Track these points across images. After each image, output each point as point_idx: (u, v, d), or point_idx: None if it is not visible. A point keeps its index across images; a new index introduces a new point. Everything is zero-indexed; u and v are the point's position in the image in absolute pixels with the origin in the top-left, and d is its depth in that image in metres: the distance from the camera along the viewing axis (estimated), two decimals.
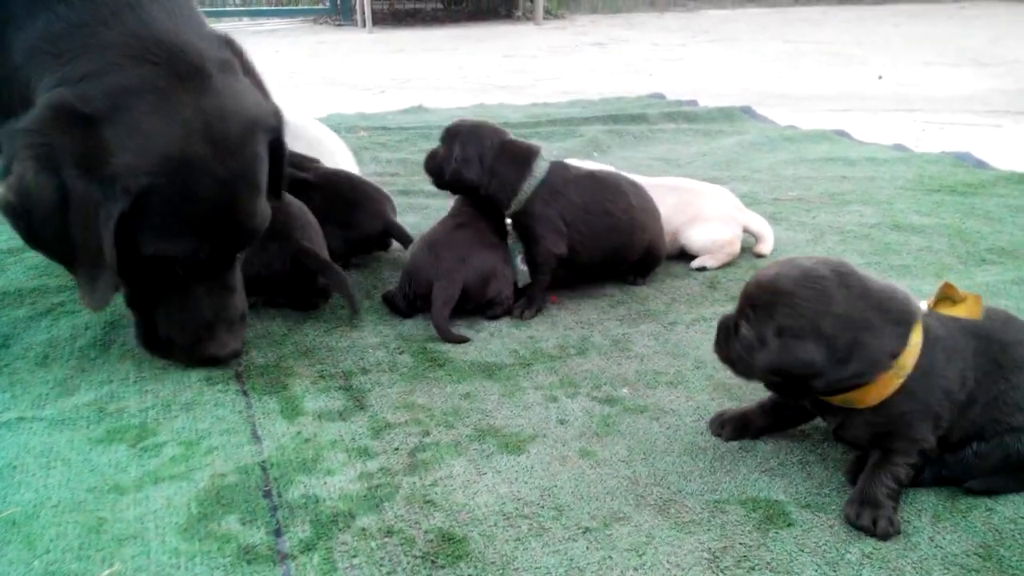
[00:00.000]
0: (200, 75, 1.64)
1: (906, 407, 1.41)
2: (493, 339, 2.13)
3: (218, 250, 1.76)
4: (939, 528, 1.40)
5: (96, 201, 1.54)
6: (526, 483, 1.53)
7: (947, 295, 1.44)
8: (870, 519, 1.39)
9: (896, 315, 1.40)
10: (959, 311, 1.43)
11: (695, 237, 2.66)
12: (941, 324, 1.45)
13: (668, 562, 1.32)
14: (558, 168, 2.33)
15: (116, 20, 1.63)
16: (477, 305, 2.22)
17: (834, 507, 1.45)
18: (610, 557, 1.33)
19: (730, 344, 1.50)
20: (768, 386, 1.54)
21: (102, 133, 1.54)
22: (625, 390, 1.87)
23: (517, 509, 1.45)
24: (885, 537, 1.37)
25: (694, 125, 4.87)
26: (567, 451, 1.63)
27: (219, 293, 1.85)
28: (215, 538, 1.38)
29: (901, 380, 1.39)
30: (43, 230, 1.60)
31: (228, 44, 1.80)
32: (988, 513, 1.43)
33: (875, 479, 1.43)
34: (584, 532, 1.39)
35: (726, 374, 1.63)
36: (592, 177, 2.38)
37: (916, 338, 1.40)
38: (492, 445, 1.65)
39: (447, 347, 2.07)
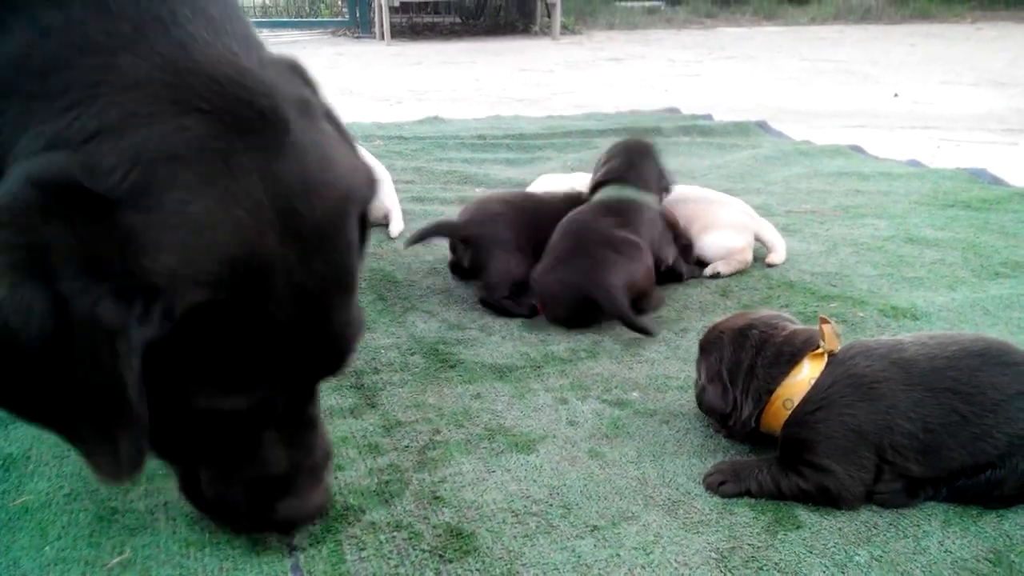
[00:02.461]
0: (272, 127, 1.03)
1: (804, 435, 1.50)
2: (505, 342, 2.14)
3: (299, 389, 1.20)
4: (949, 533, 1.39)
5: (115, 325, 0.95)
6: (535, 481, 1.53)
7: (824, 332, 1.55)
8: (719, 480, 1.51)
9: (779, 359, 1.56)
10: (830, 342, 1.54)
11: (708, 244, 2.67)
12: (876, 369, 1.50)
13: (676, 561, 1.32)
14: None
15: (141, 41, 1.00)
16: None
17: (843, 513, 1.45)
18: (618, 555, 1.33)
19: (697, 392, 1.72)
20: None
21: (125, 223, 0.94)
22: (635, 394, 1.87)
23: (525, 507, 1.45)
24: (709, 487, 1.51)
25: (708, 139, 4.88)
26: (576, 451, 1.64)
27: (299, 435, 1.26)
28: (225, 530, 1.39)
29: (787, 412, 1.52)
30: (28, 377, 0.97)
31: (300, 73, 1.17)
32: (999, 519, 1.43)
33: (764, 468, 1.51)
34: (592, 530, 1.39)
35: None
36: None
37: (806, 373, 1.53)
38: (502, 444, 1.66)
39: (458, 348, 2.08)
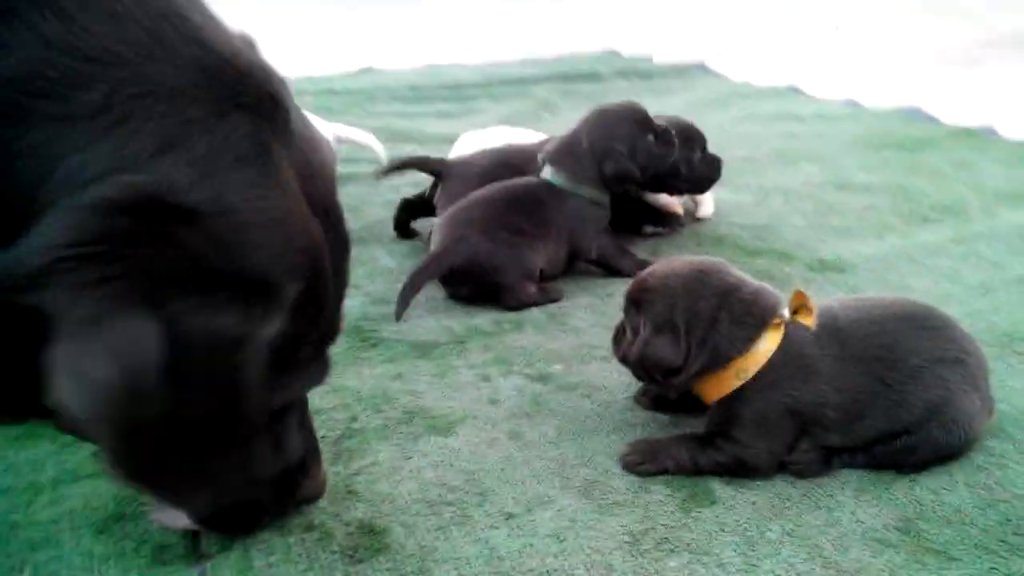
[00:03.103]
0: (281, 113, 1.02)
1: (740, 410, 1.46)
2: (427, 316, 2.10)
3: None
4: (861, 502, 1.41)
5: (241, 332, 0.93)
6: (452, 467, 1.51)
7: (802, 303, 1.48)
8: (636, 461, 1.49)
9: (746, 319, 1.46)
10: (807, 318, 1.48)
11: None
12: (819, 344, 1.47)
13: (588, 547, 1.31)
14: None
15: (160, 44, 0.93)
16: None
17: (758, 484, 1.45)
18: (531, 544, 1.32)
19: (618, 341, 1.60)
20: (644, 380, 1.62)
21: (215, 230, 0.91)
22: (558, 366, 1.85)
23: (441, 496, 1.43)
24: (627, 467, 1.48)
25: (647, 83, 4.82)
26: (496, 432, 1.62)
27: (305, 415, 1.29)
28: (132, 538, 1.35)
29: (739, 383, 1.45)
30: (153, 417, 0.90)
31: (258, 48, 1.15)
32: (911, 484, 1.44)
33: (681, 446, 1.49)
34: (507, 518, 1.38)
35: None
36: None
37: (766, 345, 1.45)
38: (420, 427, 1.63)
39: (381, 325, 2.04)
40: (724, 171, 2.57)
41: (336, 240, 1.10)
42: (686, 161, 2.45)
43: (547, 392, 1.75)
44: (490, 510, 1.40)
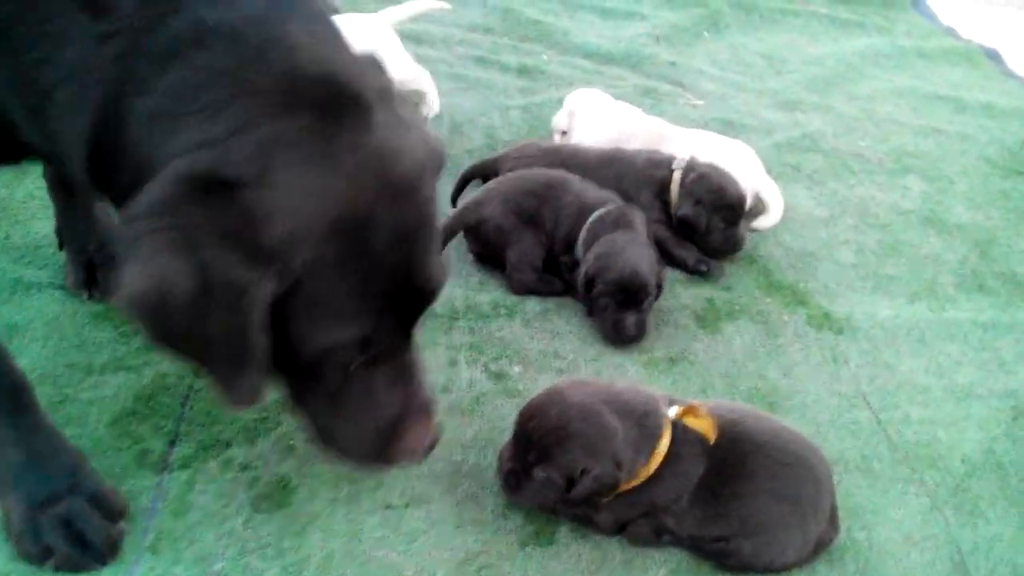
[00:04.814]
0: (359, 109, 1.30)
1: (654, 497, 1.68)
2: (457, 283, 2.40)
3: (398, 325, 1.43)
4: None
5: (244, 284, 1.22)
6: None
7: (690, 411, 1.66)
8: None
9: (649, 431, 1.65)
10: (699, 424, 1.65)
11: None
12: (686, 444, 1.66)
13: (428, 554, 1.68)
14: None
15: (263, 59, 1.27)
16: None
17: (596, 539, 1.74)
18: (388, 536, 1.70)
19: (526, 489, 1.69)
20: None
21: (249, 200, 1.21)
22: (518, 368, 2.15)
23: (348, 473, 1.81)
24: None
25: (841, 10, 4.51)
26: None
27: (403, 378, 1.51)
28: (130, 436, 1.84)
29: (638, 481, 1.67)
30: (177, 326, 1.26)
31: (379, 67, 1.47)
32: None
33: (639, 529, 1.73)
34: (385, 508, 1.76)
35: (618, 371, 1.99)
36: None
37: (664, 444, 1.65)
38: None
39: None
40: (822, 167, 2.57)
41: (401, 213, 1.31)
42: (710, 226, 2.52)
43: (492, 393, 2.06)
44: (377, 496, 1.78)
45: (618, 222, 2.28)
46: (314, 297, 1.29)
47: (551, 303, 2.37)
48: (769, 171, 3.01)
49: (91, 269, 2.18)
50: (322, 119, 1.25)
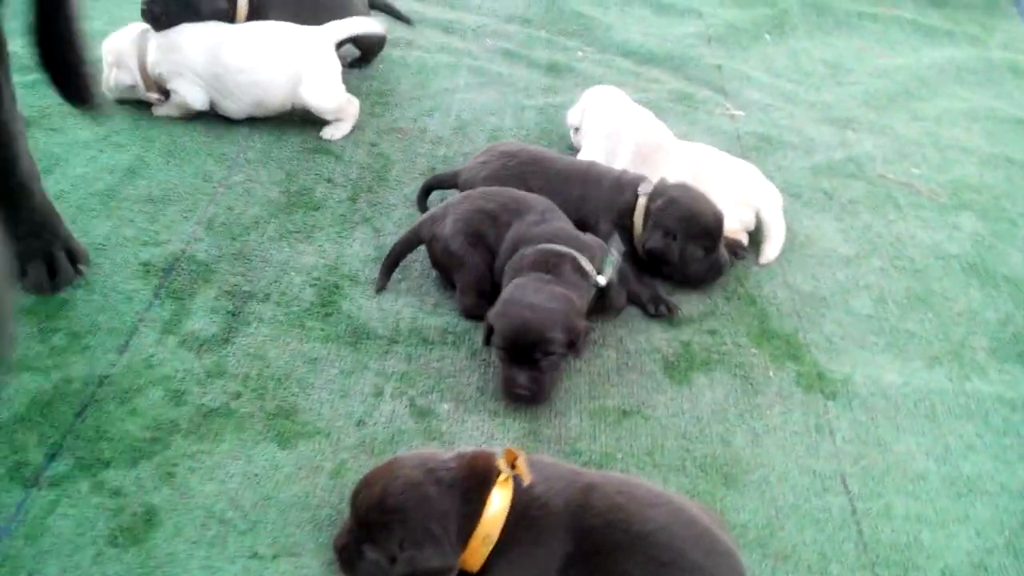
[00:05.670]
0: None
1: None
2: (401, 300, 2.21)
3: None
4: None
5: None
6: (254, 489, 1.70)
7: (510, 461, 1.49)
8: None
9: (472, 492, 1.47)
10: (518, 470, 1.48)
11: None
12: (544, 510, 1.47)
13: None
14: None
15: None
16: None
17: None
18: None
19: (358, 568, 1.52)
20: None
21: None
22: (447, 406, 1.94)
23: (222, 512, 1.65)
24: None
25: (932, 15, 4.04)
26: (327, 462, 1.78)
27: None
28: (10, 445, 1.72)
29: (488, 549, 1.46)
30: None
31: None
32: None
33: None
34: (250, 556, 1.59)
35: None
36: None
37: (499, 505, 1.46)
38: (272, 431, 1.82)
39: (347, 299, 2.19)
40: (863, 196, 2.42)
41: None
42: (683, 253, 2.23)
43: (411, 433, 1.87)
44: (245, 542, 1.61)
45: (536, 264, 2.01)
46: None
47: None
48: (796, 196, 2.70)
49: (20, 262, 2.08)
50: None
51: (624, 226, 2.24)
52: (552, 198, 2.21)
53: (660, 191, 2.24)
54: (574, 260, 2.02)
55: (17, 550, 1.57)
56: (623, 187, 2.28)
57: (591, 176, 2.32)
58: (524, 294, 1.92)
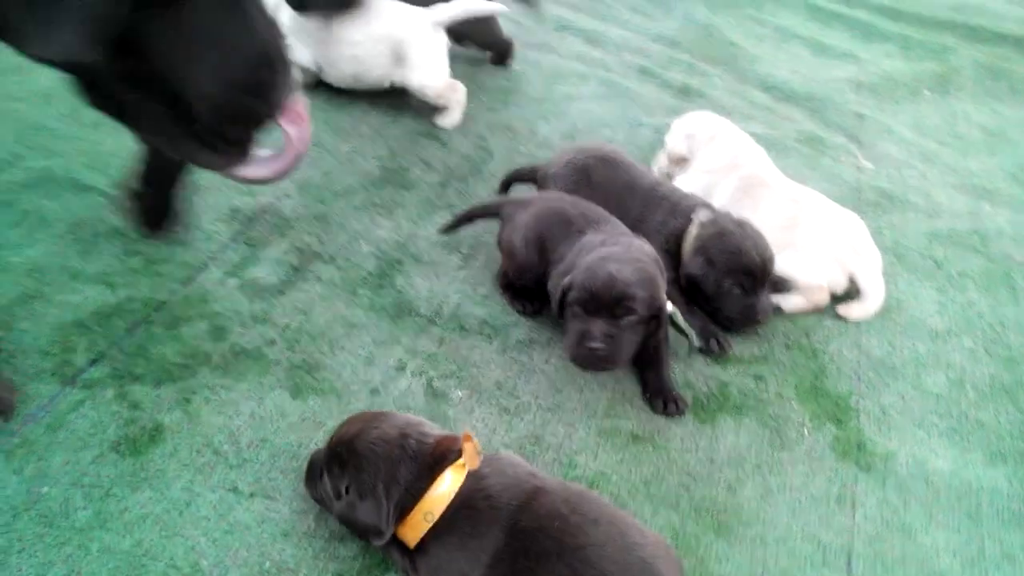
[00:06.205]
0: None
1: (435, 558, 1.47)
2: (454, 281, 2.26)
3: None
4: None
5: None
6: (255, 430, 1.79)
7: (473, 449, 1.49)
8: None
9: (425, 468, 1.49)
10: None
11: (781, 263, 2.29)
12: (488, 503, 1.45)
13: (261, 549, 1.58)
14: None
15: None
16: None
17: None
18: (213, 519, 1.62)
19: (316, 485, 1.59)
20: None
21: None
22: (461, 393, 1.95)
23: (219, 444, 1.75)
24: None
25: None
26: (330, 419, 1.83)
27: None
28: (63, 344, 1.90)
29: (428, 525, 1.46)
30: None
31: None
32: None
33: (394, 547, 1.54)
34: (231, 490, 1.67)
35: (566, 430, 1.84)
36: None
37: (449, 487, 1.46)
38: (290, 381, 1.91)
39: (404, 274, 2.26)
40: (977, 267, 2.33)
41: None
42: (721, 291, 2.14)
43: (416, 410, 1.89)
44: (230, 476, 1.70)
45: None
46: None
47: (541, 336, 2.14)
48: (900, 258, 2.52)
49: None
50: None
51: (671, 251, 2.17)
52: (613, 205, 2.19)
53: (714, 220, 2.16)
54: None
55: (36, 437, 1.72)
56: (678, 211, 2.22)
57: (656, 196, 2.27)
58: (612, 253, 1.92)
